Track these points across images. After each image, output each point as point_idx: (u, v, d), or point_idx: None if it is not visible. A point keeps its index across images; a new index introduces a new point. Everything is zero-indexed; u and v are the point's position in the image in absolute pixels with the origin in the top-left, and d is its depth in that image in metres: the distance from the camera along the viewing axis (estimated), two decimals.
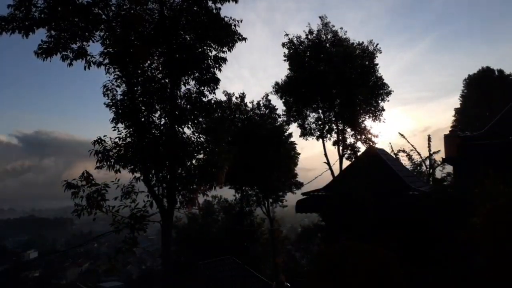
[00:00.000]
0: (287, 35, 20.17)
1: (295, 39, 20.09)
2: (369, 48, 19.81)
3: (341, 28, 19.99)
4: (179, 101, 11.02)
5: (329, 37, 19.90)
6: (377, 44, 19.93)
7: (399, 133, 39.18)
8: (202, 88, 11.11)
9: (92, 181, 9.31)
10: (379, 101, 20.21)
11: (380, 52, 19.94)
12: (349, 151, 20.42)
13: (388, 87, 20.19)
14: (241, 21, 11.11)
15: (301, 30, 34.18)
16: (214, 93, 11.21)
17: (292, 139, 30.09)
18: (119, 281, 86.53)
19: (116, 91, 10.68)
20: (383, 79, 20.14)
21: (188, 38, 10.98)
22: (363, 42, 19.95)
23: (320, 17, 20.12)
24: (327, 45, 19.79)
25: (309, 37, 19.98)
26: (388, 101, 20.39)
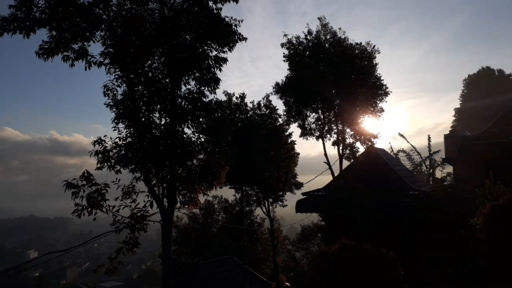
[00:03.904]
0: (285, 35, 20.20)
1: (294, 39, 20.11)
2: (368, 49, 19.83)
3: (340, 29, 20.01)
4: (180, 101, 11.03)
5: (328, 37, 19.90)
6: (374, 46, 19.96)
7: (399, 133, 39.25)
8: (203, 88, 11.13)
9: (92, 181, 9.32)
10: (378, 102, 20.21)
11: (379, 53, 19.97)
12: (348, 151, 20.42)
13: (387, 87, 20.21)
14: (242, 21, 11.12)
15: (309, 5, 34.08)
16: (214, 93, 11.24)
17: (292, 139, 30.14)
18: (119, 281, 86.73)
19: (117, 91, 10.70)
20: (382, 80, 20.16)
21: (189, 38, 10.99)
22: (361, 43, 19.98)
23: (319, 18, 20.13)
24: (326, 45, 19.80)
25: (308, 37, 19.99)
26: (386, 102, 20.40)
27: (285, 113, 21.78)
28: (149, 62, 10.96)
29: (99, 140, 9.91)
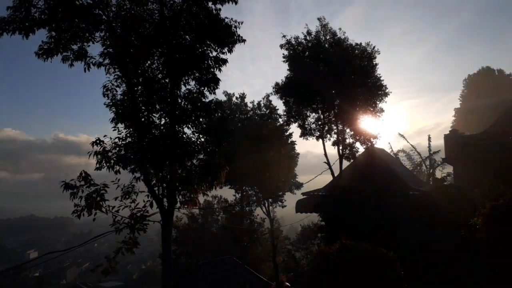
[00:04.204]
0: (284, 36, 20.16)
1: (293, 40, 20.07)
2: (368, 49, 19.76)
3: (340, 29, 19.96)
4: (180, 101, 11.03)
5: (327, 37, 19.86)
6: (374, 46, 19.90)
7: (399, 133, 39.24)
8: (202, 88, 11.12)
9: (90, 181, 9.31)
10: (377, 102, 20.16)
11: (379, 53, 19.90)
12: (347, 151, 20.38)
13: (387, 88, 20.16)
14: (242, 23, 11.11)
15: None
16: (214, 93, 11.24)
17: (292, 139, 30.17)
18: (119, 281, 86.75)
19: (116, 91, 10.67)
20: (382, 80, 20.10)
21: (189, 39, 10.98)
22: (361, 43, 19.93)
23: (318, 19, 20.08)
24: (326, 45, 19.76)
25: (308, 38, 19.95)
26: (385, 102, 20.35)
27: (285, 113, 21.74)
28: (149, 62, 10.95)
29: (98, 141, 9.89)
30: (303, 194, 25.33)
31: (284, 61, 20.43)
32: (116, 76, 10.49)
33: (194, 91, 11.15)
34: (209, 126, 11.40)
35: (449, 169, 30.39)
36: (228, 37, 10.96)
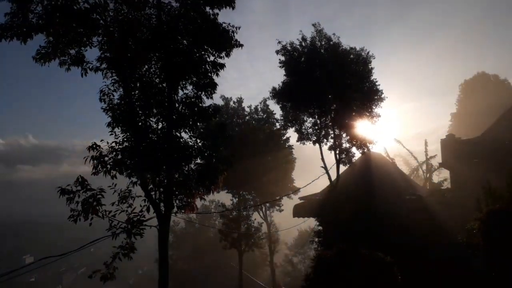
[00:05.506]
0: (280, 42, 20.21)
1: (289, 46, 20.12)
2: (362, 54, 19.82)
3: (334, 34, 20.03)
4: (177, 105, 11.04)
5: (323, 43, 19.91)
6: (369, 52, 19.94)
7: (395, 139, 39.32)
8: (200, 92, 11.13)
9: (87, 186, 9.29)
10: (373, 107, 20.17)
11: (374, 58, 19.95)
12: (344, 155, 20.37)
13: (382, 93, 20.19)
14: (239, 28, 11.15)
15: None
16: (211, 97, 11.25)
17: (289, 144, 30.22)
18: (115, 286, 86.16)
19: (113, 96, 10.66)
20: (378, 85, 20.13)
21: (186, 43, 11.01)
22: (355, 47, 19.97)
23: (313, 25, 20.15)
24: (322, 50, 19.80)
25: (303, 44, 20.00)
26: (381, 107, 20.34)
27: (282, 118, 21.74)
28: (146, 66, 10.97)
29: (94, 145, 9.87)
30: (300, 198, 25.32)
31: (280, 67, 20.48)
32: (113, 81, 10.50)
33: (192, 95, 11.16)
34: (208, 131, 11.42)
35: (445, 173, 30.46)
36: (225, 41, 10.99)
